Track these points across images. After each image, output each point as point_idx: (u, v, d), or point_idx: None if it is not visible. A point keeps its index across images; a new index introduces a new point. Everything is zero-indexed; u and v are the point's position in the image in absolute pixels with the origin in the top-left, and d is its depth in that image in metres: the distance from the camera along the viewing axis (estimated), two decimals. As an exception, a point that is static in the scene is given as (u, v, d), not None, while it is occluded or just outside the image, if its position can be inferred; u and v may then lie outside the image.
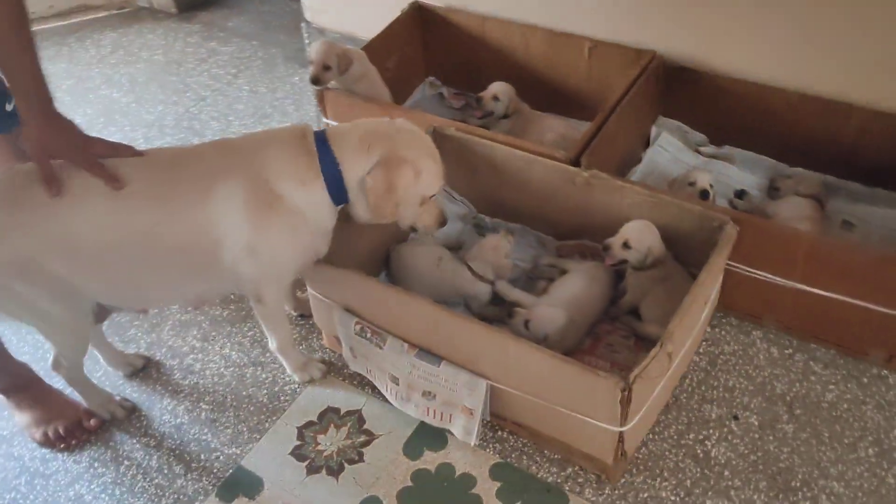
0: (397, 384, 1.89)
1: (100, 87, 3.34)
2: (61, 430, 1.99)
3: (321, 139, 1.73)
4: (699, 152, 2.55)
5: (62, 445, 1.98)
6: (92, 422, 2.01)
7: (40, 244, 1.61)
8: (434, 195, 1.82)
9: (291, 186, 1.69)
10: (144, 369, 2.14)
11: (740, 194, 2.38)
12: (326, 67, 2.39)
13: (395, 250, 2.21)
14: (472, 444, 1.84)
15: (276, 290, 1.86)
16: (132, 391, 2.10)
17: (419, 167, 1.74)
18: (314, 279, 1.95)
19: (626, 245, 1.96)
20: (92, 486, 1.90)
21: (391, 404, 1.95)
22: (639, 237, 1.96)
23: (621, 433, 1.64)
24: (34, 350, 2.24)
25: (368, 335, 1.89)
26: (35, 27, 1.55)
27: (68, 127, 1.63)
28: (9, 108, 1.85)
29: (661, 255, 1.97)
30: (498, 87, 2.61)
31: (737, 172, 2.47)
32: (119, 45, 3.62)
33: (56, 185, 1.59)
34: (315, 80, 2.40)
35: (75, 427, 2.00)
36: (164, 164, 1.69)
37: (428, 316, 1.75)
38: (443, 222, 1.87)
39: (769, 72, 2.33)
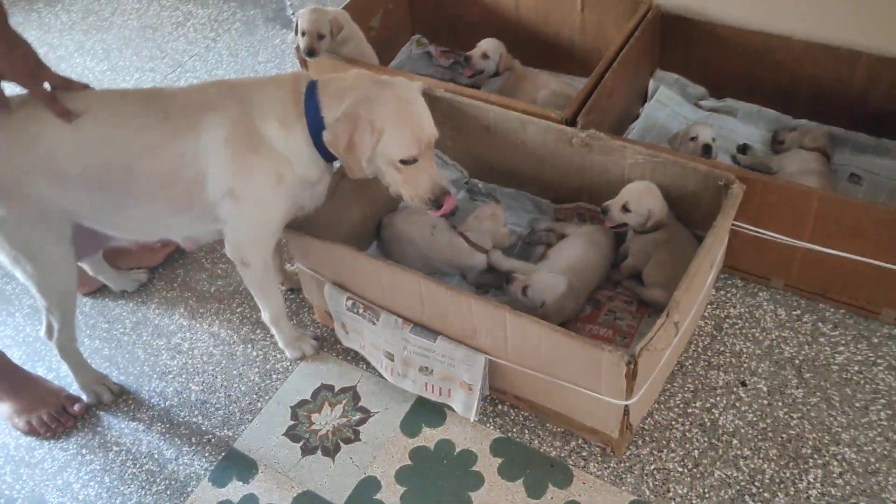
0: (392, 360, 1.82)
1: (72, 55, 3.20)
2: (45, 418, 1.92)
3: (312, 84, 1.68)
4: (699, 106, 2.45)
5: (48, 434, 1.92)
6: (76, 407, 1.95)
7: (25, 166, 1.60)
8: (411, 162, 1.66)
9: (273, 127, 1.64)
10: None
11: (743, 149, 2.29)
12: (321, 36, 2.27)
13: (387, 219, 2.13)
14: (472, 419, 1.77)
15: (261, 248, 1.77)
16: (118, 373, 2.03)
17: (379, 127, 1.61)
18: (302, 254, 1.87)
19: (625, 208, 1.88)
20: (80, 474, 1.84)
21: (387, 380, 1.88)
22: (639, 199, 1.87)
23: (626, 407, 1.57)
24: (15, 333, 2.16)
25: (361, 311, 1.81)
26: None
27: (23, 49, 1.57)
28: None
29: (662, 217, 1.89)
30: (487, 45, 2.49)
31: (739, 126, 2.38)
32: (90, 10, 3.47)
33: (6, 106, 1.58)
34: (310, 52, 2.27)
35: (59, 413, 1.93)
36: (160, 97, 1.67)
37: (421, 290, 1.67)
38: (435, 198, 1.69)
39: (771, 19, 2.22)
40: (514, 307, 1.88)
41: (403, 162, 1.65)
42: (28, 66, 1.57)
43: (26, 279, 1.74)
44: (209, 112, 1.63)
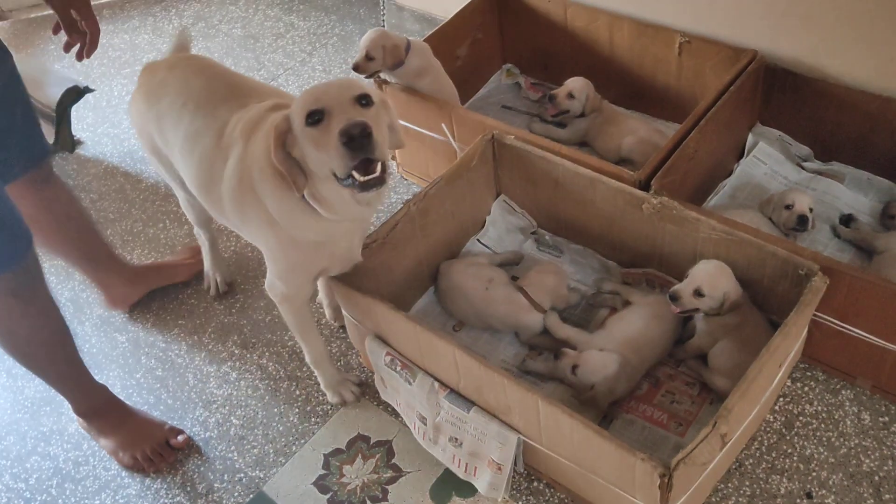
0: (425, 424, 1.74)
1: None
2: (149, 452, 1.90)
3: None
4: (802, 167, 2.23)
5: (151, 469, 1.90)
6: (179, 438, 1.92)
7: (155, 130, 1.76)
8: (319, 120, 1.37)
9: (258, 174, 1.51)
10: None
11: (847, 220, 2.06)
12: (370, 57, 2.21)
13: (444, 266, 2.05)
14: (499, 500, 1.67)
15: (287, 294, 1.72)
16: (167, 396, 2.05)
17: (283, 113, 1.45)
18: (346, 302, 1.82)
19: (698, 293, 1.70)
20: (116, 498, 1.87)
21: (421, 441, 1.81)
22: (713, 283, 1.69)
23: (662, 516, 1.44)
24: (122, 365, 2.19)
25: (398, 368, 1.75)
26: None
27: None
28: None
29: (738, 299, 1.71)
30: (574, 84, 2.36)
31: (845, 193, 2.14)
32: (201, 16, 3.55)
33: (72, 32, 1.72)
34: (356, 68, 2.22)
35: (161, 448, 1.91)
36: (242, 92, 1.68)
37: (457, 360, 1.59)
38: (347, 140, 1.31)
39: (893, 82, 1.97)
40: (561, 377, 1.79)
41: (311, 120, 1.37)
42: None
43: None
44: (236, 142, 1.57)
